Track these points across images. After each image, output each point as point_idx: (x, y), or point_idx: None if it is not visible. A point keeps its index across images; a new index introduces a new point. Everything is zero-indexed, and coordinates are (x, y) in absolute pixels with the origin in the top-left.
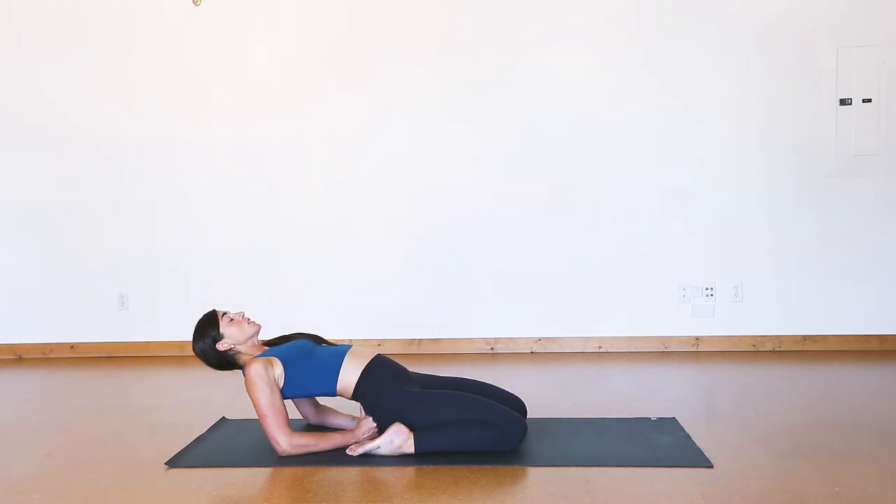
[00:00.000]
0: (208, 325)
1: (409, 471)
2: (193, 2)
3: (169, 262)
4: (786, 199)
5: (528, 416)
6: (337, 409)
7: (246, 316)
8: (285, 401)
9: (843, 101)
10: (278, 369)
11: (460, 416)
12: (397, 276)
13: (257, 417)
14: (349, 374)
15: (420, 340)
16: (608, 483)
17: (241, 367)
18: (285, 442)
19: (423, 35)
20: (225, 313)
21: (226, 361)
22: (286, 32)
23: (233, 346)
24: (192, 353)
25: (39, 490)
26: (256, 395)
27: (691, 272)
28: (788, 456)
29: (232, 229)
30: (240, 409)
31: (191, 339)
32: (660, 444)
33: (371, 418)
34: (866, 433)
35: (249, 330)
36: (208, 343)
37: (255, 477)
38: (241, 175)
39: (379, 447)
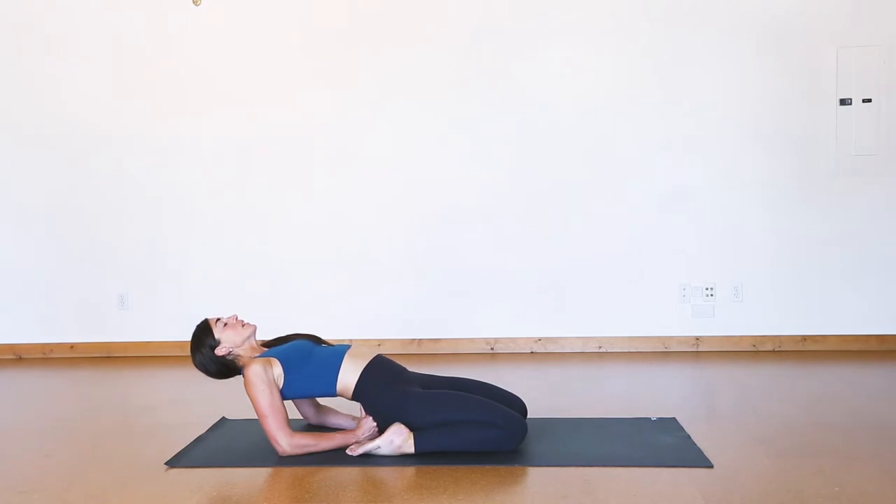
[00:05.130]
0: (203, 334)
1: (409, 471)
2: (193, 2)
3: (169, 262)
4: (786, 199)
5: (528, 416)
6: (337, 409)
7: (239, 318)
8: (285, 401)
9: (843, 101)
10: (277, 370)
11: (460, 416)
12: (397, 276)
13: (257, 417)
14: (349, 374)
15: (420, 340)
16: (608, 483)
17: (241, 370)
18: (285, 442)
19: (420, 33)
20: (218, 319)
21: (226, 367)
22: (286, 32)
23: (231, 350)
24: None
25: (39, 490)
26: (256, 395)
27: (691, 272)
28: (788, 456)
29: (231, 229)
30: (240, 409)
31: (189, 346)
32: (660, 444)
33: (371, 418)
34: (866, 433)
35: (245, 332)
36: (206, 352)
37: (255, 477)
38: (240, 175)
39: (379, 447)
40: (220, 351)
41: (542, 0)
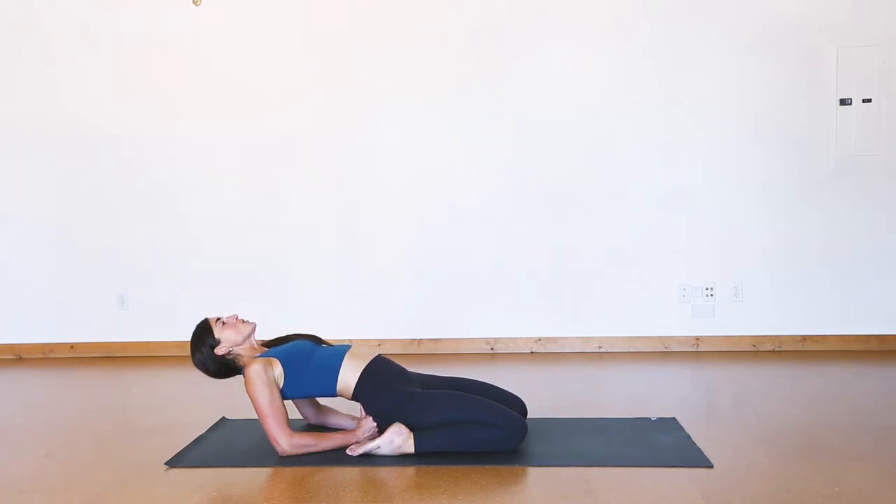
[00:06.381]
0: (203, 333)
1: (409, 471)
2: (193, 2)
3: (169, 262)
4: (786, 199)
5: (528, 416)
6: (337, 409)
7: (240, 318)
8: (285, 401)
9: (843, 101)
10: (277, 370)
11: (460, 416)
12: (397, 276)
13: (257, 417)
14: (349, 375)
15: (420, 340)
16: (608, 483)
17: (241, 369)
18: (285, 442)
19: (420, 33)
20: (218, 319)
21: (226, 367)
22: (286, 32)
23: (231, 349)
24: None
25: (39, 490)
26: (256, 395)
27: (691, 272)
28: (788, 456)
29: (231, 229)
30: (240, 409)
31: (189, 346)
32: (660, 444)
33: (371, 418)
34: (866, 433)
35: (245, 330)
36: (206, 351)
37: (255, 477)
38: (241, 175)
39: (379, 447)
40: (219, 350)
41: (542, 0)
